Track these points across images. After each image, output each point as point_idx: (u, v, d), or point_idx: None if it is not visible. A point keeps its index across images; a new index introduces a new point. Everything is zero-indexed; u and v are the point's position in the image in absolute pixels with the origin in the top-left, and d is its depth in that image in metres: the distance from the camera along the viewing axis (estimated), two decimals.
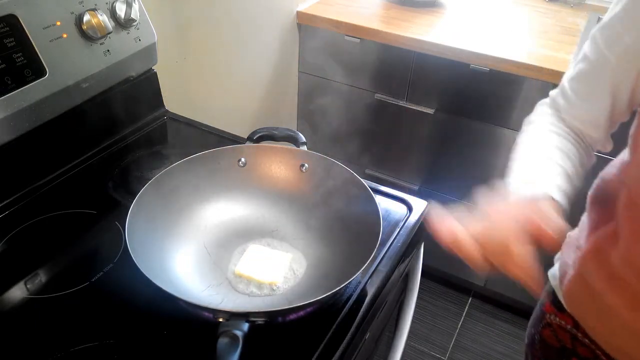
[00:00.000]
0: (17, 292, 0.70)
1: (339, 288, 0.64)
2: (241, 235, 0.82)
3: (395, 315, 0.94)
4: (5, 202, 0.84)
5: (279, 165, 0.86)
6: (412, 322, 0.90)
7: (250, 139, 0.89)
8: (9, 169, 0.84)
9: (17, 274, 0.73)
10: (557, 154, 0.67)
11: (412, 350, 1.78)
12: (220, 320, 0.60)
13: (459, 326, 1.89)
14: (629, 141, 0.61)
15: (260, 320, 0.65)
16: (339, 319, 0.69)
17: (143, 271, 0.62)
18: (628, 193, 0.60)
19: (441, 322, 1.89)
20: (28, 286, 0.71)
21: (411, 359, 1.76)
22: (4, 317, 0.67)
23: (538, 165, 0.67)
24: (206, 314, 0.68)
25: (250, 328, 0.60)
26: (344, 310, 0.70)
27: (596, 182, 0.74)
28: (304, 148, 0.86)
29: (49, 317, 0.67)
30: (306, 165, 0.84)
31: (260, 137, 0.89)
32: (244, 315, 0.61)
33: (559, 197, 0.62)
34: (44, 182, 0.89)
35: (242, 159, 0.85)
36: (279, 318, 0.68)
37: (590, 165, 0.73)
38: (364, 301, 0.72)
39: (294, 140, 0.88)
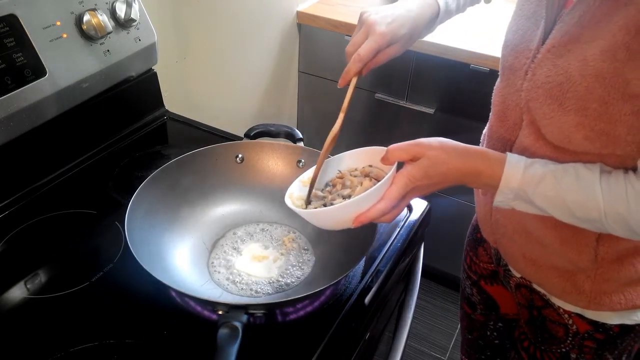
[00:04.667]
0: (17, 292, 0.70)
1: (332, 283, 0.64)
2: (239, 231, 0.83)
3: (395, 315, 0.94)
4: (5, 202, 0.84)
5: (276, 161, 0.87)
6: (412, 322, 0.90)
7: (247, 135, 0.89)
8: (9, 169, 0.84)
9: (17, 274, 0.73)
10: None
11: (412, 350, 1.78)
12: (220, 312, 0.60)
13: (459, 326, 1.89)
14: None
15: (259, 313, 0.66)
16: (339, 319, 0.69)
17: (143, 265, 0.62)
18: None
19: (441, 322, 1.89)
20: (28, 286, 0.71)
21: (411, 359, 1.76)
22: (4, 317, 0.67)
23: None
24: (206, 311, 0.68)
25: (249, 320, 0.60)
26: (344, 310, 0.70)
27: None
28: (301, 144, 0.86)
29: (49, 317, 0.67)
30: (303, 160, 0.85)
31: (257, 133, 0.90)
32: (243, 308, 0.62)
33: (441, 3, 0.74)
34: (44, 182, 0.89)
35: (240, 155, 0.86)
36: (277, 312, 0.69)
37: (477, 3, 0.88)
38: (364, 301, 0.72)
39: (291, 137, 0.89)
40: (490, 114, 0.77)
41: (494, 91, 0.76)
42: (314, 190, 0.69)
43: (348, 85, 0.71)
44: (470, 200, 1.74)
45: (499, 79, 0.74)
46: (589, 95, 0.57)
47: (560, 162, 0.62)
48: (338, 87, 0.71)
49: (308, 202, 0.69)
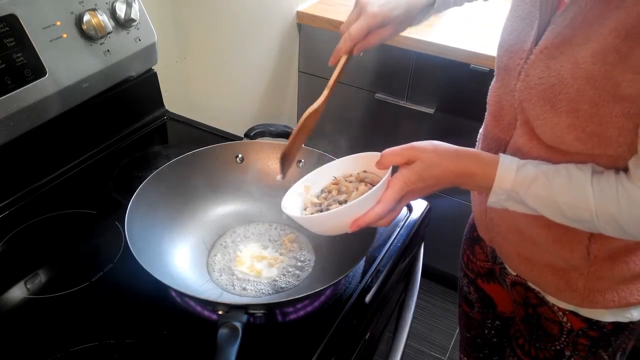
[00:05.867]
0: (17, 292, 0.70)
1: (332, 283, 0.64)
2: (239, 231, 0.83)
3: (395, 315, 0.94)
4: (5, 202, 0.84)
5: (276, 161, 0.87)
6: (412, 322, 0.90)
7: (247, 135, 0.89)
8: (9, 169, 0.84)
9: (17, 274, 0.73)
10: None
11: (412, 350, 1.78)
12: (220, 312, 0.61)
13: (458, 326, 1.89)
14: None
15: (259, 313, 0.66)
16: (339, 319, 0.69)
17: (143, 265, 0.62)
18: None
19: (441, 322, 1.89)
20: (28, 286, 0.71)
21: (411, 359, 1.76)
22: (4, 317, 0.67)
23: None
24: (206, 311, 0.68)
25: (249, 320, 0.60)
26: (344, 310, 0.70)
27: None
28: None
29: (49, 317, 0.67)
30: (302, 160, 0.85)
31: (257, 133, 0.90)
32: (243, 308, 0.62)
33: None
34: (44, 182, 0.89)
35: (240, 155, 0.86)
36: (277, 312, 0.69)
37: None
38: (364, 301, 0.72)
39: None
40: (486, 113, 0.77)
41: (489, 91, 0.76)
42: (309, 196, 0.69)
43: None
44: (470, 200, 1.74)
45: (494, 79, 0.75)
46: (580, 98, 0.58)
47: (553, 162, 0.63)
48: (329, 64, 0.70)
49: (284, 174, 0.71)
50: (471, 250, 0.97)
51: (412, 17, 0.72)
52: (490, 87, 0.76)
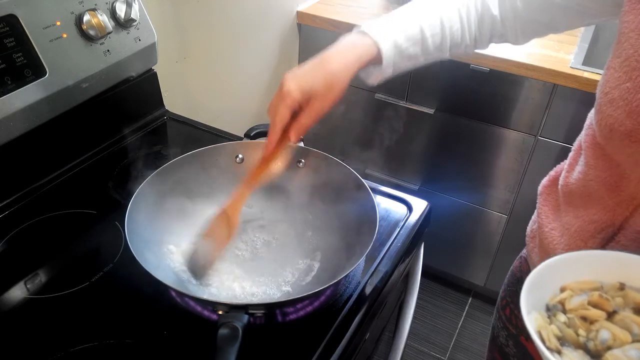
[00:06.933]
0: (17, 292, 0.70)
1: (332, 283, 0.64)
2: (238, 231, 0.82)
3: (395, 315, 0.94)
4: (5, 202, 0.84)
5: (276, 161, 0.87)
6: (412, 322, 0.90)
7: (247, 135, 0.89)
8: (9, 169, 0.84)
9: (17, 274, 0.73)
10: (430, 19, 0.68)
11: (412, 350, 1.78)
12: (220, 312, 0.61)
13: (459, 326, 1.89)
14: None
15: (259, 313, 0.66)
16: (339, 319, 0.69)
17: (143, 265, 0.62)
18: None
19: (441, 322, 1.89)
20: (28, 286, 0.71)
21: (411, 359, 1.76)
22: (4, 317, 0.67)
23: (401, 17, 0.69)
24: (206, 311, 0.68)
25: (249, 321, 0.60)
26: (344, 310, 0.70)
27: (549, 173, 0.79)
28: (301, 144, 0.86)
29: (49, 317, 0.67)
30: (303, 161, 0.85)
31: (257, 133, 0.90)
32: (243, 308, 0.62)
33: (385, 47, 0.66)
34: (44, 182, 0.89)
35: (240, 155, 0.86)
36: (277, 312, 0.69)
37: (475, 48, 0.74)
38: (364, 301, 0.72)
39: None
40: (583, 166, 0.65)
41: (584, 146, 0.64)
42: (556, 322, 0.49)
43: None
44: (470, 201, 1.74)
45: (595, 135, 0.61)
46: None
47: None
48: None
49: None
50: (517, 305, 0.84)
51: (342, 84, 0.64)
52: (583, 142, 0.65)
